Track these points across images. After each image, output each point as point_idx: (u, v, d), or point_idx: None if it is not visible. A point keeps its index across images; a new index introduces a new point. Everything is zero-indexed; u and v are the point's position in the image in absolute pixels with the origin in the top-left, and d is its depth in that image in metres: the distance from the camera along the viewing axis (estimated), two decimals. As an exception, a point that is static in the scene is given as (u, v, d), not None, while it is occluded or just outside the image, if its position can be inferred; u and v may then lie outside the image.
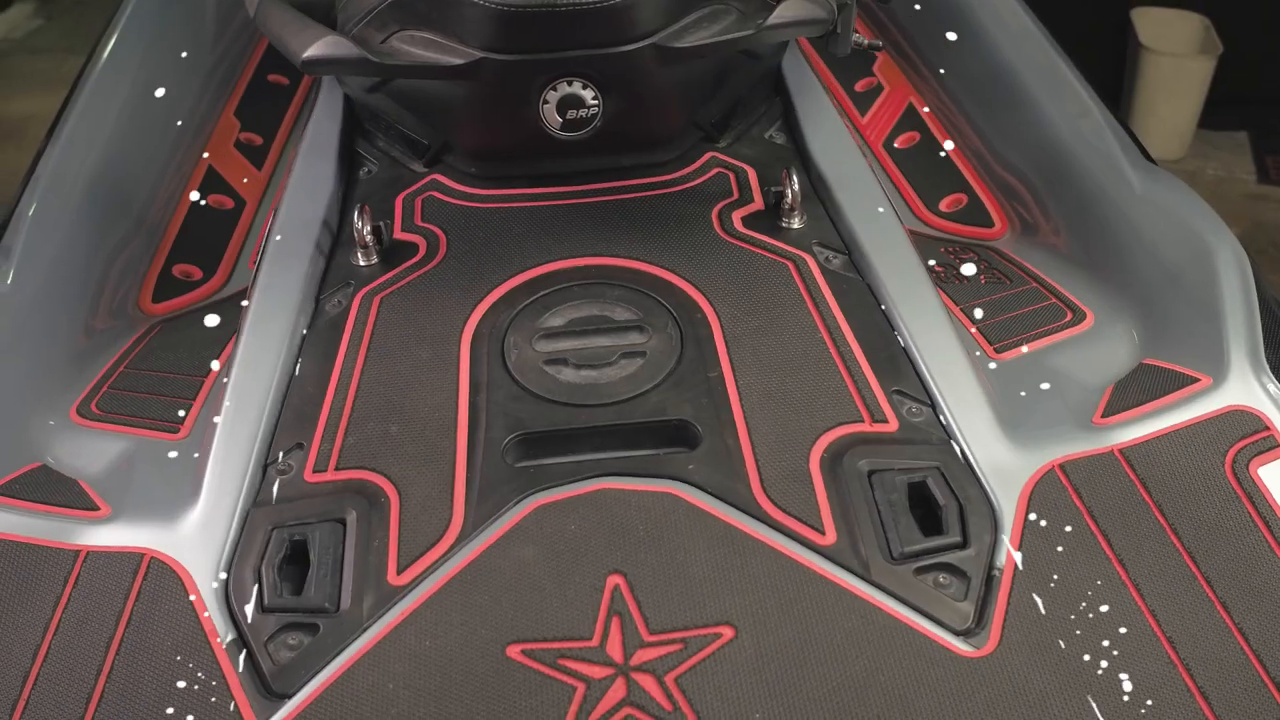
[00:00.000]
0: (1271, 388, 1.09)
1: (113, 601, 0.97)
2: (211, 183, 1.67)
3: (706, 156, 1.44)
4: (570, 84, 1.26)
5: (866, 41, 1.44)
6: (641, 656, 0.90)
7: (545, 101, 1.27)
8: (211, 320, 1.39)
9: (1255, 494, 1.02)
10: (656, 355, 1.16)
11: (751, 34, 1.25)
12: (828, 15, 1.28)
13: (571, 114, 1.28)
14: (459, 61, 1.22)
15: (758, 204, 1.36)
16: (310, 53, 1.20)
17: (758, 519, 1.00)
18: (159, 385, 1.26)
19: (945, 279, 1.38)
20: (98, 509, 1.07)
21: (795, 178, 1.30)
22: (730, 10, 1.28)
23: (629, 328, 1.19)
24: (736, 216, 1.33)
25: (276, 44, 1.27)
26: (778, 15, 1.25)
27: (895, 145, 1.76)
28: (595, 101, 1.27)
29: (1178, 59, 3.33)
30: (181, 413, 1.21)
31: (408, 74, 1.28)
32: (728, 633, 0.91)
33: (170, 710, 0.89)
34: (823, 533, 1.00)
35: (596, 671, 0.89)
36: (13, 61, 4.13)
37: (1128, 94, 3.44)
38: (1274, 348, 1.13)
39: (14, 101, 3.78)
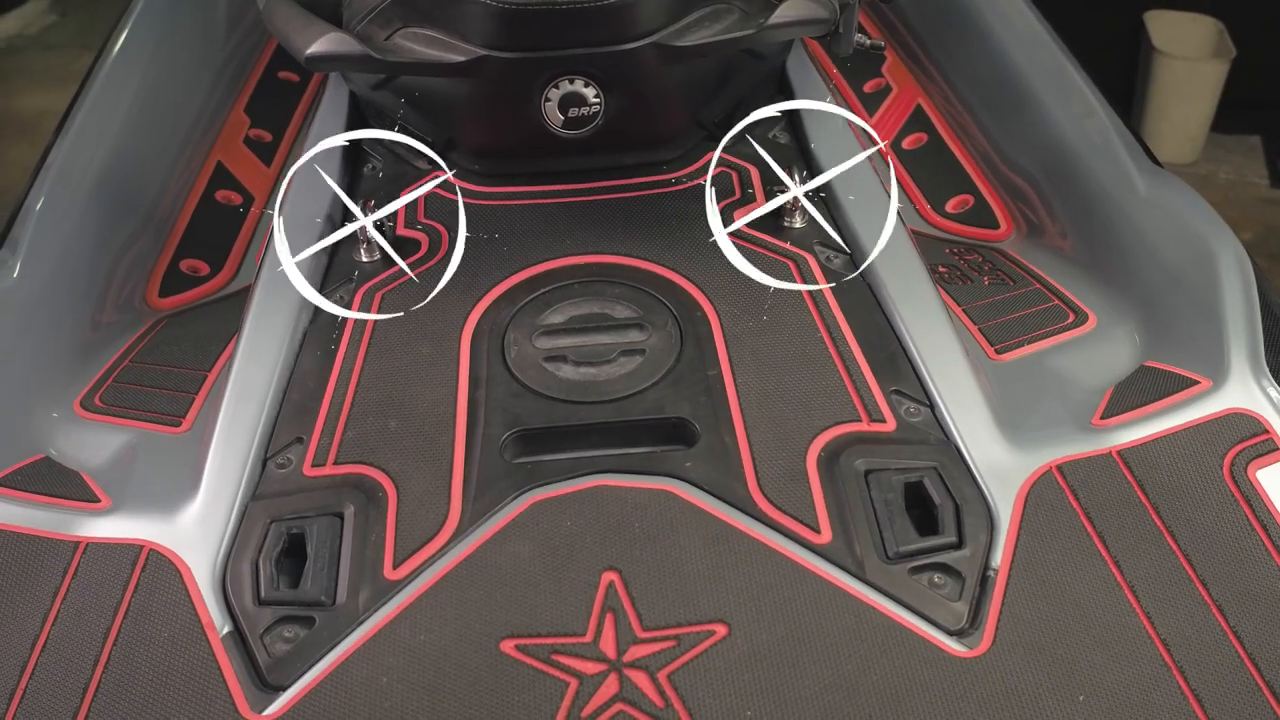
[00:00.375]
0: (1272, 391, 1.09)
1: (111, 592, 0.98)
2: (220, 179, 1.68)
3: (709, 156, 1.44)
4: (572, 82, 1.26)
5: (869, 41, 1.44)
6: (634, 653, 0.90)
7: (547, 99, 1.27)
8: (217, 315, 1.40)
9: (1253, 497, 1.02)
10: (656, 353, 1.16)
11: (753, 33, 1.25)
12: (830, 15, 1.28)
13: (573, 112, 1.28)
14: (461, 59, 1.22)
15: (760, 203, 1.36)
16: (314, 49, 1.21)
17: (753, 517, 1.01)
18: (163, 379, 1.26)
19: (949, 280, 1.38)
20: (98, 501, 1.08)
21: (797, 177, 1.30)
22: (732, 9, 1.28)
23: (629, 325, 1.19)
24: (739, 216, 1.33)
25: (281, 40, 1.27)
26: (779, 14, 1.25)
27: (903, 146, 1.76)
28: (597, 100, 1.28)
29: (1191, 62, 3.32)
30: (184, 406, 1.21)
31: (410, 71, 1.29)
32: (721, 630, 0.91)
33: (165, 701, 0.90)
34: (818, 531, 1.00)
35: (589, 667, 0.89)
36: (27, 57, 4.15)
37: (1140, 97, 3.44)
38: (1275, 351, 1.12)
39: (27, 97, 3.80)
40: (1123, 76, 3.47)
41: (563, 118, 1.29)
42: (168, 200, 1.60)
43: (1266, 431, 1.06)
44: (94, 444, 1.18)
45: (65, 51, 4.07)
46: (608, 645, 0.91)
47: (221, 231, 1.60)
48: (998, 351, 1.24)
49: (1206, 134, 3.45)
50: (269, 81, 1.88)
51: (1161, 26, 3.38)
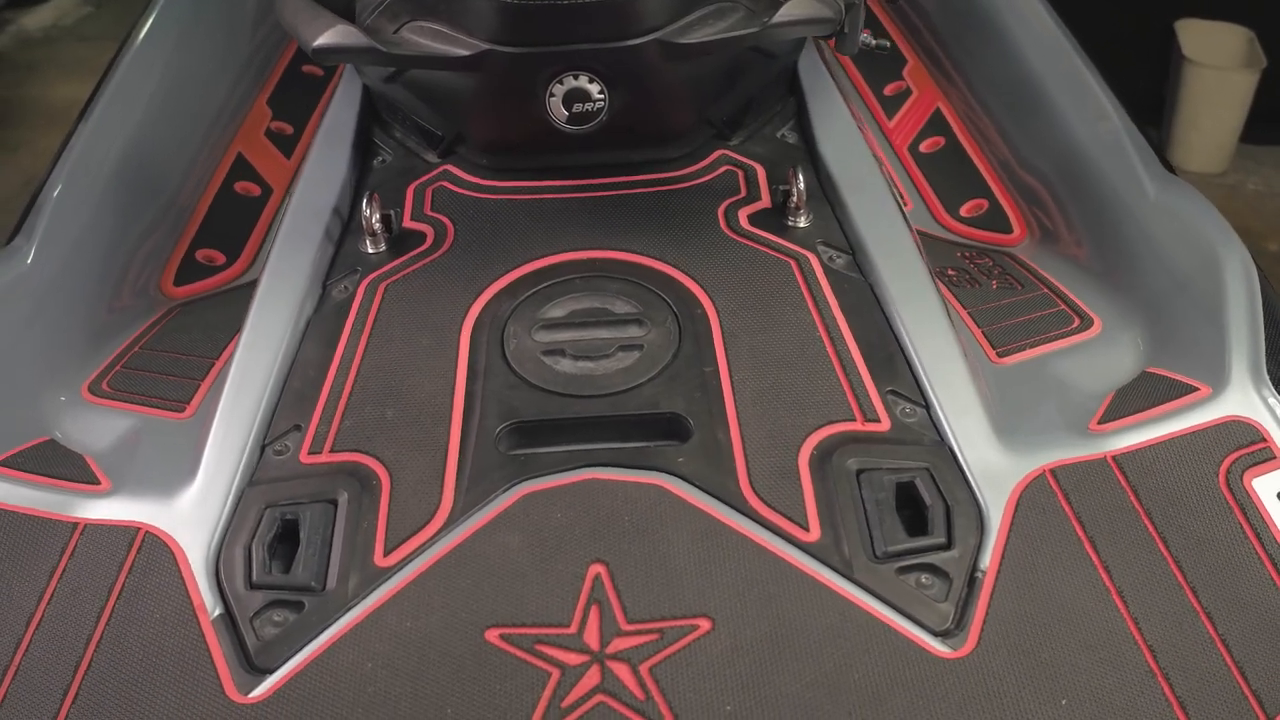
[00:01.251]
0: (1271, 400, 1.08)
1: (106, 573, 0.99)
2: (240, 170, 1.69)
3: (717, 154, 1.44)
4: (576, 78, 1.26)
5: (875, 41, 1.44)
6: (618, 645, 0.91)
7: (551, 95, 1.27)
8: (228, 304, 1.41)
9: (1248, 505, 1.01)
10: (653, 349, 1.16)
11: (757, 31, 1.25)
12: (834, 14, 1.28)
13: (578, 107, 1.28)
14: (465, 53, 1.23)
15: (765, 202, 1.36)
16: (321, 41, 1.22)
17: (743, 514, 1.01)
18: (170, 366, 1.28)
19: (957, 283, 1.38)
20: (99, 483, 1.09)
21: (801, 176, 1.30)
22: (737, 7, 1.28)
23: (628, 321, 1.19)
24: (743, 214, 1.33)
25: (291, 32, 1.29)
26: (784, 13, 1.25)
27: (920, 149, 1.75)
28: (601, 96, 1.28)
29: (1221, 72, 3.29)
30: (189, 393, 1.23)
31: (416, 64, 1.29)
32: (705, 625, 0.92)
33: (154, 681, 0.91)
34: (807, 529, 1.00)
35: (572, 658, 0.90)
36: (61, 48, 4.20)
37: (1170, 106, 3.41)
38: (1276, 359, 1.12)
39: (60, 87, 3.84)
40: (1153, 85, 3.44)
41: (567, 113, 1.29)
42: (187, 190, 1.62)
43: (1264, 440, 1.05)
44: (99, 428, 1.19)
45: (99, 43, 4.10)
46: (591, 637, 0.91)
47: (239, 222, 1.61)
48: (999, 355, 1.23)
49: (1236, 144, 3.41)
50: (293, 75, 1.89)
51: (1192, 35, 3.34)
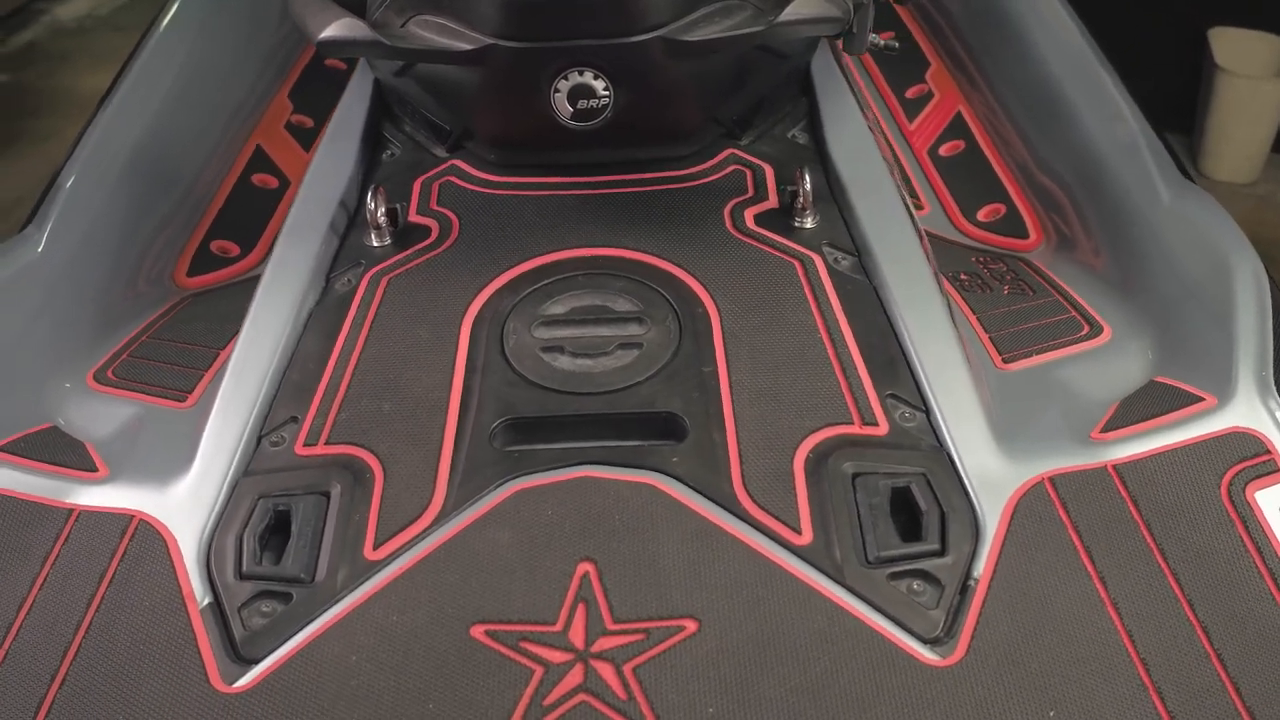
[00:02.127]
0: (1278, 412, 1.06)
1: (99, 560, 1.00)
2: (258, 162, 1.70)
3: (725, 153, 1.43)
4: (581, 74, 1.26)
5: (883, 42, 1.43)
6: (602, 644, 0.90)
7: (556, 90, 1.27)
8: (238, 295, 1.42)
9: (1249, 518, 1.00)
10: (653, 347, 1.16)
11: (763, 30, 1.25)
12: (842, 14, 1.27)
13: (582, 104, 1.28)
14: (468, 47, 1.23)
15: (772, 202, 1.35)
16: (326, 34, 1.22)
17: (735, 515, 1.00)
18: (176, 355, 1.28)
19: (969, 287, 1.36)
20: (96, 471, 1.10)
21: (808, 177, 1.29)
22: (744, 6, 1.27)
23: (629, 319, 1.19)
24: (749, 214, 1.32)
25: (299, 24, 1.29)
26: (790, 12, 1.24)
27: (940, 153, 1.74)
28: (606, 92, 1.27)
29: (1254, 81, 3.26)
30: (192, 382, 1.23)
31: (420, 58, 1.29)
32: (691, 626, 0.91)
33: (141, 669, 0.91)
34: (799, 532, 0.99)
35: (556, 656, 0.89)
36: (96, 37, 4.24)
37: (1202, 115, 3.38)
38: None
39: (92, 76, 3.87)
40: (1184, 93, 3.41)
41: (572, 109, 1.28)
42: (204, 181, 1.63)
43: (1269, 452, 1.04)
44: (102, 415, 1.20)
45: (133, 33, 4.10)
46: (577, 635, 0.91)
47: (255, 214, 1.62)
48: (1005, 360, 1.22)
49: (1267, 154, 3.37)
50: (316, 68, 1.90)
51: (1225, 44, 3.31)
